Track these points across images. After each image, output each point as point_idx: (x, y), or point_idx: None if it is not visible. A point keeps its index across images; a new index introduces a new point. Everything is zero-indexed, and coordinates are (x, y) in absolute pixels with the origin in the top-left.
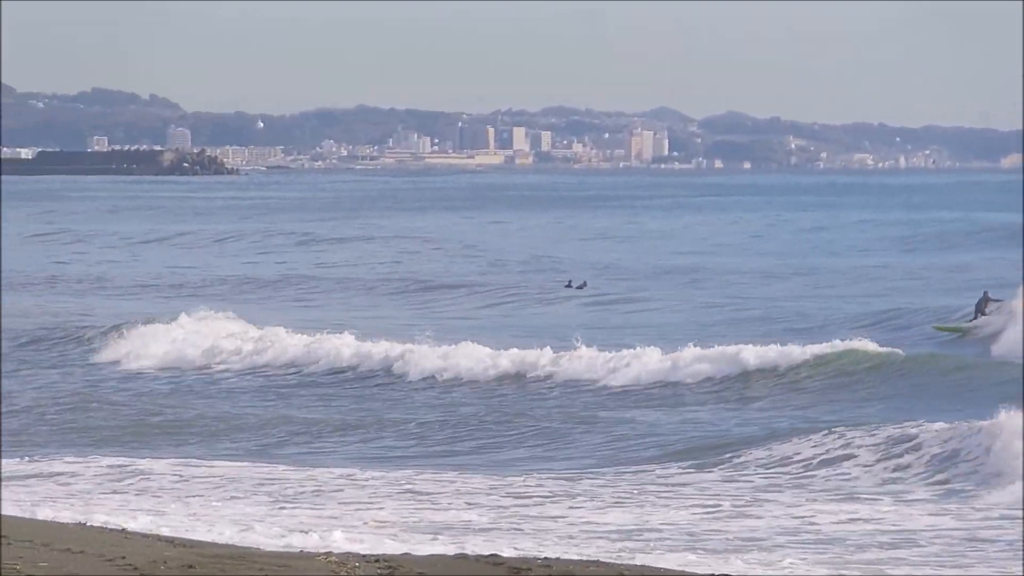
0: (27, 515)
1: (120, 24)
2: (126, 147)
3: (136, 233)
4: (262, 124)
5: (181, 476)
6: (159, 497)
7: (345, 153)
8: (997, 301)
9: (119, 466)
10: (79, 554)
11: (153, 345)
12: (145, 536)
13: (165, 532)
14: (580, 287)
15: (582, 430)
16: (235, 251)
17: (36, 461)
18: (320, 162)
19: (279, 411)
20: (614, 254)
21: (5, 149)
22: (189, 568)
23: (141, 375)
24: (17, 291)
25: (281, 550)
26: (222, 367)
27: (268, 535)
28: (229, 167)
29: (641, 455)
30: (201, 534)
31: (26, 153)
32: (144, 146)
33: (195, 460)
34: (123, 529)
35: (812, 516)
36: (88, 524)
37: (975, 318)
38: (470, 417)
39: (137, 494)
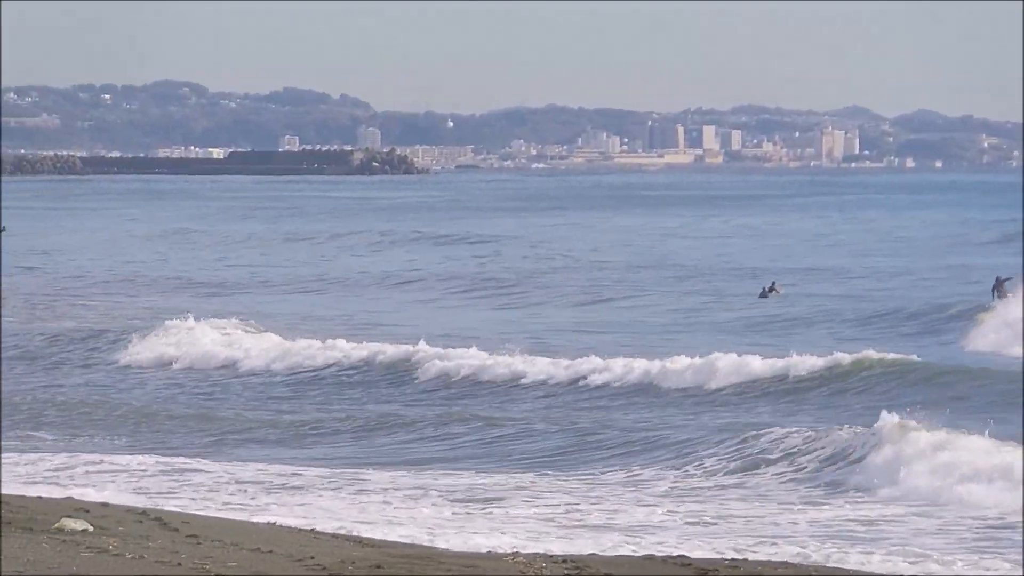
0: (219, 515)
1: (311, 24)
2: (316, 147)
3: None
4: (452, 123)
5: (358, 478)
6: (342, 498)
7: (534, 152)
8: (1009, 280)
9: (282, 464)
10: (268, 554)
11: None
12: (334, 536)
13: (354, 533)
14: (771, 290)
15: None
16: (358, 250)
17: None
18: (509, 161)
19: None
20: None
21: (197, 149)
22: (377, 568)
23: (255, 374)
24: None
25: (468, 551)
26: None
27: (453, 536)
28: (419, 166)
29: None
30: (388, 534)
31: (218, 153)
32: (334, 146)
33: (362, 461)
34: (312, 529)
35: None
36: (277, 524)
37: (993, 301)
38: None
39: (317, 495)
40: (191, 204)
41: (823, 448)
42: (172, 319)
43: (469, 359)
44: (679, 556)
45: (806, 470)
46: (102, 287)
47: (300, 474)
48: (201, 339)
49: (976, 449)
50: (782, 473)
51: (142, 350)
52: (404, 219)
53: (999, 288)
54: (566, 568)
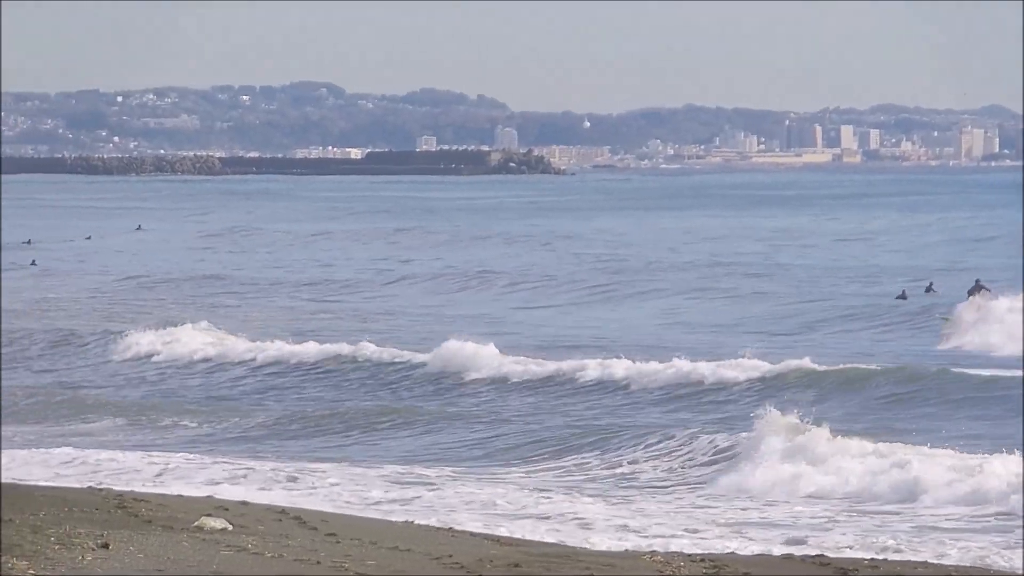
0: (357, 513)
1: (448, 25)
2: (454, 147)
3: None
4: (589, 124)
5: (493, 476)
6: (478, 496)
7: (671, 152)
8: (987, 290)
9: (414, 464)
10: (406, 552)
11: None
12: (471, 535)
13: (493, 532)
14: (927, 290)
15: None
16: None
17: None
18: (646, 161)
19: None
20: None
21: (335, 149)
22: (515, 567)
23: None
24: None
25: (606, 549)
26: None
27: (593, 534)
28: (556, 167)
29: None
30: (526, 532)
31: (356, 153)
32: (471, 146)
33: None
34: (450, 528)
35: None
36: (415, 523)
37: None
38: None
39: (452, 493)
40: (326, 204)
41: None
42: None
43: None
44: (818, 555)
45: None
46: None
47: (432, 472)
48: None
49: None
50: None
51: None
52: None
53: (976, 292)
54: (704, 567)
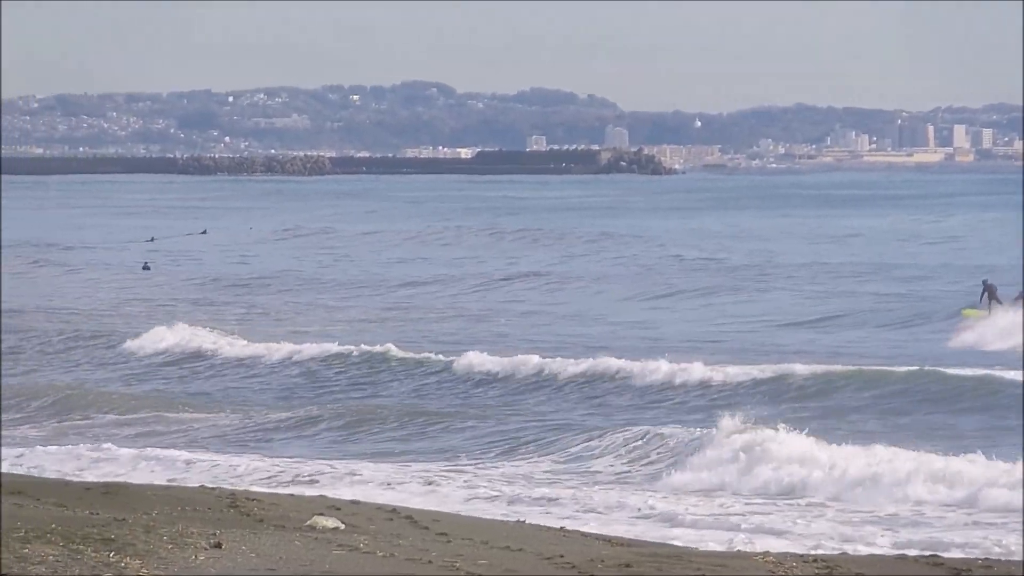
0: (468, 513)
1: (557, 24)
2: (564, 147)
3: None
4: (699, 123)
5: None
6: (590, 496)
7: (783, 151)
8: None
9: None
10: (518, 552)
11: None
12: (583, 535)
13: (603, 531)
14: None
15: None
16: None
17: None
18: (757, 161)
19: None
20: None
21: (445, 149)
22: (626, 567)
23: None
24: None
25: (719, 549)
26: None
27: (702, 534)
28: (667, 166)
29: None
30: (637, 533)
31: (465, 153)
32: (582, 145)
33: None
34: (561, 528)
35: None
36: (526, 522)
37: (989, 305)
38: None
39: (561, 491)
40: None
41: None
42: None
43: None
44: (931, 555)
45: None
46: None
47: (545, 473)
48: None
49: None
50: None
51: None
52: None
53: (989, 292)
54: (816, 568)
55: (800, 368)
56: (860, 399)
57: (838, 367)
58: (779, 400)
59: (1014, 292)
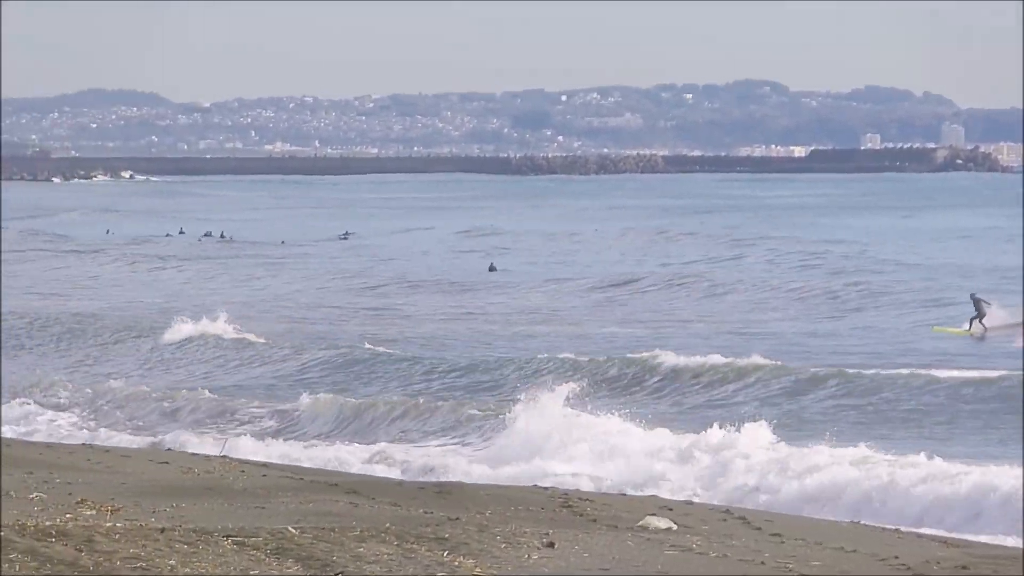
0: (802, 514)
1: (891, 24)
2: (898, 145)
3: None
4: None
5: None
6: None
7: None
8: (987, 303)
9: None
10: (852, 553)
11: None
12: (918, 536)
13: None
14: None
15: None
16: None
17: None
18: None
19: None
20: None
21: (777, 147)
22: (963, 569)
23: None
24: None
25: None
26: None
27: None
28: (1003, 164)
29: None
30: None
31: (799, 151)
32: (916, 144)
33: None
34: (896, 528)
35: None
36: (862, 523)
37: (977, 322)
38: None
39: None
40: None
41: None
42: None
43: None
44: None
45: None
46: None
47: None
48: None
49: None
50: None
51: None
52: None
53: (976, 306)
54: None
55: None
56: None
57: None
58: None
59: None
